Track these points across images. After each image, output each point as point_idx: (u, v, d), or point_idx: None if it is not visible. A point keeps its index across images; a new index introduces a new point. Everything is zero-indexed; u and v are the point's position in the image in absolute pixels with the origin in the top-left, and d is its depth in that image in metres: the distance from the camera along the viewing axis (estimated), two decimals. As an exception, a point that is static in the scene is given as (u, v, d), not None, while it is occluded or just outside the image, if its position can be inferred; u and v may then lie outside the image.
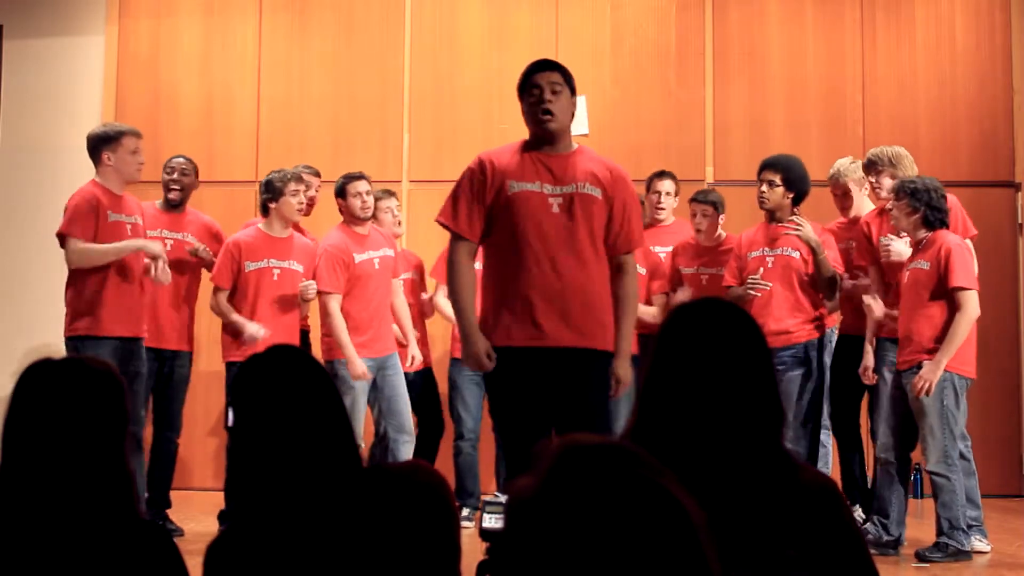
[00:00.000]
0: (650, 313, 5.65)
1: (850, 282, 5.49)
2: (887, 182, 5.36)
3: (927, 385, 4.80)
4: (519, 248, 3.75)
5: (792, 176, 5.35)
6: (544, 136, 3.81)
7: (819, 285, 5.29)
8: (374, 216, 5.81)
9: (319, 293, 5.56)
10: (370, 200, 5.67)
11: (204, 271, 5.79)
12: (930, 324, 4.89)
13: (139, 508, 1.95)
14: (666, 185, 6.03)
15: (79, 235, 5.06)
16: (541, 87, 3.78)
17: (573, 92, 3.85)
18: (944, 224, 4.98)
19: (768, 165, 5.42)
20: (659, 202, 5.99)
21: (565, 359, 3.74)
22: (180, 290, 5.68)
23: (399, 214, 6.15)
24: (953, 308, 4.87)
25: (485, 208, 3.79)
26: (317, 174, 6.06)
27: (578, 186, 3.78)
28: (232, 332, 5.50)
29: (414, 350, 5.87)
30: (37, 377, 1.94)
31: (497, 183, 3.79)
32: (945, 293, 4.88)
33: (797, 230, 5.24)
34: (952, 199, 5.33)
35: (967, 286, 4.85)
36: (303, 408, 1.91)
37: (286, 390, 1.92)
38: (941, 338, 4.85)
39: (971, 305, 4.85)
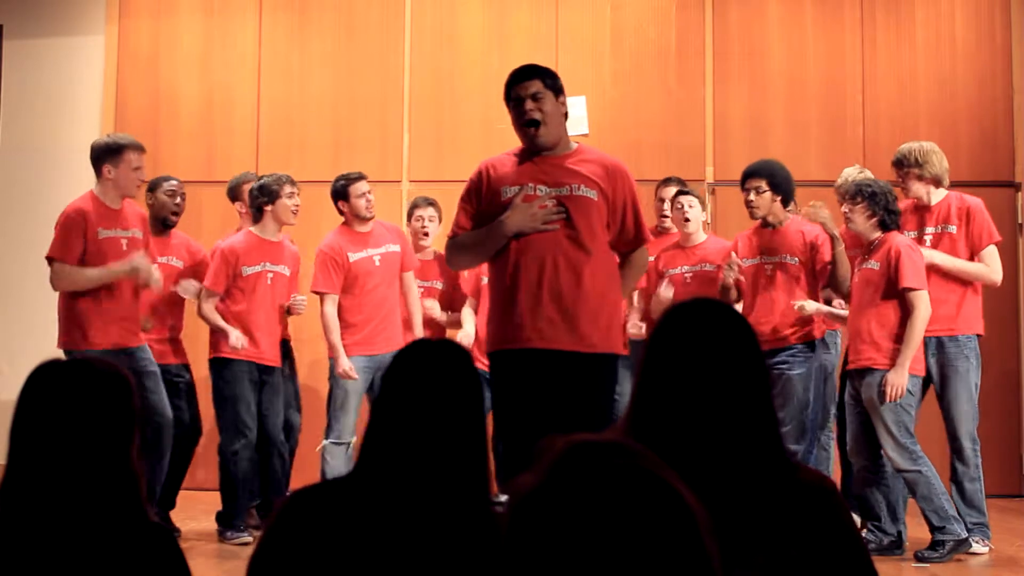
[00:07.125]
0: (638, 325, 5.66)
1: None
2: (913, 186, 5.30)
3: (897, 391, 4.84)
4: (513, 252, 3.79)
5: (777, 179, 5.32)
6: (535, 148, 3.87)
7: (835, 278, 5.25)
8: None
9: (314, 294, 5.57)
10: (372, 198, 5.67)
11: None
12: (880, 324, 4.93)
13: (147, 509, 1.95)
14: (670, 192, 5.96)
15: (64, 258, 4.98)
16: (522, 99, 3.82)
17: (559, 93, 3.87)
18: (897, 226, 5.03)
19: (750, 174, 5.36)
20: (664, 210, 5.96)
21: (560, 361, 3.74)
22: (164, 308, 5.66)
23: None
24: (903, 308, 4.90)
25: (477, 212, 3.90)
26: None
27: (572, 188, 3.81)
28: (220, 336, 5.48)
29: None
30: (44, 378, 1.94)
31: (492, 190, 3.86)
32: (896, 294, 4.91)
33: (824, 220, 5.17)
34: (978, 202, 5.30)
35: (917, 286, 4.87)
36: (442, 411, 1.91)
37: (436, 385, 1.92)
38: (890, 337, 4.89)
39: (923, 305, 4.88)
